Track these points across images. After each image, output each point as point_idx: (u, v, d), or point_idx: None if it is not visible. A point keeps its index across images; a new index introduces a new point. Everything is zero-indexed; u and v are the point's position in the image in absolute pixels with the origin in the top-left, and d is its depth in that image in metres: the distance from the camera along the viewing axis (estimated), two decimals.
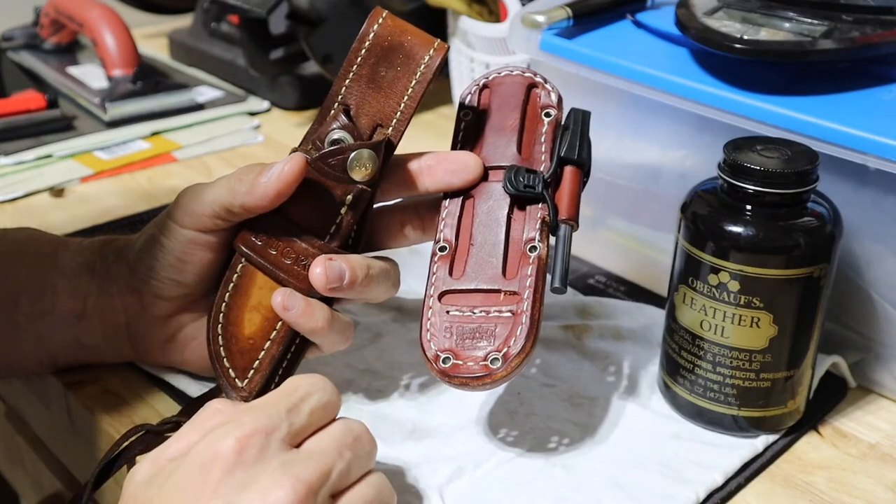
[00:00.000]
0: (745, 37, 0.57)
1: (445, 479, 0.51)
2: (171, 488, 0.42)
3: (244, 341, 0.52)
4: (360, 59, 0.52)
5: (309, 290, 0.51)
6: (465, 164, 0.53)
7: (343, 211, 0.51)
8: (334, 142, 0.51)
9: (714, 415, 0.54)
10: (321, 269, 0.50)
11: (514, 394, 0.58)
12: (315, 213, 0.51)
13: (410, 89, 0.52)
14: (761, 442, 0.54)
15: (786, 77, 0.59)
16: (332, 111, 0.52)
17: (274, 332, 0.51)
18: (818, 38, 0.57)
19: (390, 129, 0.52)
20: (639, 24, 0.68)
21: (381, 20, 0.52)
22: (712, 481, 0.51)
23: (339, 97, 0.52)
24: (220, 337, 0.52)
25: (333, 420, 0.46)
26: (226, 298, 0.52)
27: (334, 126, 0.51)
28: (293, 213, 0.51)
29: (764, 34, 0.58)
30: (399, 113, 0.52)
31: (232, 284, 0.52)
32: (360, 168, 0.50)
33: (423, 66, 0.52)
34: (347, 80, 0.52)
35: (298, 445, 0.44)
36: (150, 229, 0.54)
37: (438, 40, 0.52)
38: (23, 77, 1.05)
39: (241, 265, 0.52)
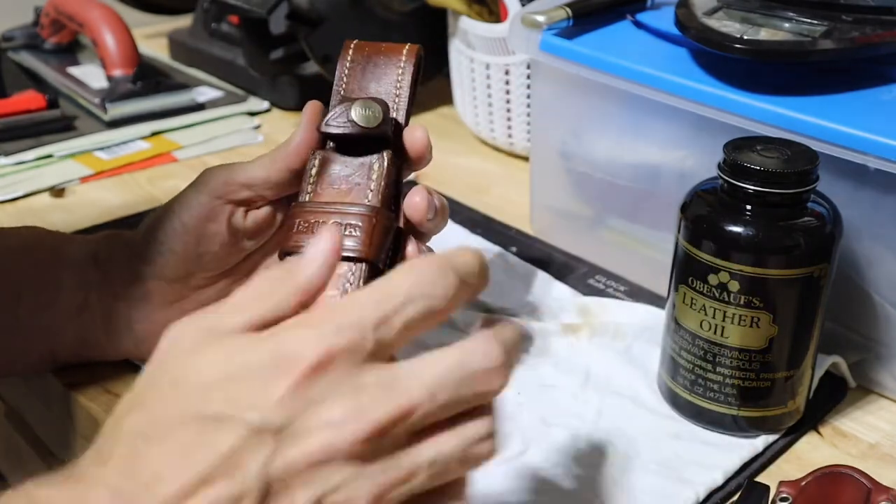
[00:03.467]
0: (745, 37, 0.57)
1: None
2: (222, 378, 0.35)
3: None
4: (346, 68, 0.54)
5: (368, 249, 0.47)
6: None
7: (374, 175, 0.50)
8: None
9: (714, 415, 0.54)
10: (420, 198, 0.50)
11: (514, 394, 0.58)
12: (342, 189, 0.50)
13: (399, 75, 0.54)
14: (761, 442, 0.54)
15: (785, 77, 0.59)
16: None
17: None
18: (818, 38, 0.57)
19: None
20: (639, 24, 0.68)
21: (354, 42, 0.55)
22: (712, 481, 0.51)
23: (339, 98, 0.54)
24: None
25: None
26: None
27: (340, 107, 0.51)
28: (324, 196, 0.50)
29: (764, 34, 0.58)
30: (397, 97, 0.53)
31: None
32: (368, 116, 0.50)
33: (403, 58, 0.54)
34: (342, 87, 0.54)
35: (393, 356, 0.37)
36: (164, 204, 0.55)
37: (409, 44, 0.55)
38: (23, 77, 1.05)
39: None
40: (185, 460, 0.34)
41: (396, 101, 0.53)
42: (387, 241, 0.48)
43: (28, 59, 1.07)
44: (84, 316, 0.56)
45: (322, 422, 0.35)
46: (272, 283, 0.38)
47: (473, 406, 0.37)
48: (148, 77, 0.97)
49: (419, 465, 0.36)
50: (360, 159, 0.50)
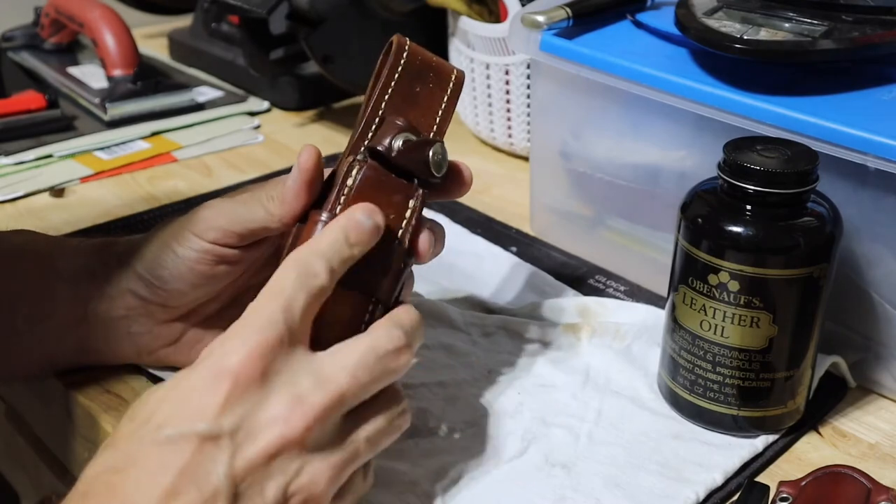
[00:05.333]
0: (745, 37, 0.57)
1: (445, 479, 0.51)
2: (167, 404, 0.41)
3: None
4: (397, 74, 0.52)
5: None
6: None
7: (408, 215, 0.49)
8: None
9: (714, 415, 0.54)
10: (424, 239, 0.49)
11: (514, 394, 0.58)
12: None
13: (444, 103, 0.52)
14: (761, 442, 0.54)
15: (785, 77, 0.59)
16: (385, 120, 0.50)
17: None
18: (818, 38, 0.57)
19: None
20: (639, 24, 0.68)
21: (409, 43, 0.52)
22: (712, 481, 0.51)
23: (380, 111, 0.51)
24: None
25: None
26: None
27: (395, 130, 0.49)
28: None
29: (764, 34, 0.58)
30: (436, 126, 0.52)
31: None
32: (441, 162, 0.50)
33: (451, 85, 0.52)
34: (387, 95, 0.51)
35: (316, 342, 0.43)
36: (162, 237, 0.53)
37: (457, 70, 0.54)
38: (23, 77, 1.06)
39: None
40: (152, 480, 0.38)
41: (434, 129, 0.52)
42: (398, 284, 0.49)
43: (28, 59, 1.07)
44: (82, 328, 0.55)
45: (269, 418, 0.40)
46: None
47: (386, 385, 0.44)
48: (148, 77, 0.97)
49: (360, 442, 0.43)
50: (396, 195, 0.49)
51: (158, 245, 0.53)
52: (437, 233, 0.51)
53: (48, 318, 0.55)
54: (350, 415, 0.43)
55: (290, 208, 0.50)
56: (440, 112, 0.52)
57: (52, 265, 0.56)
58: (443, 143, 0.50)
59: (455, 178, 0.53)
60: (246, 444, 0.40)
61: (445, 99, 0.52)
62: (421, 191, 0.49)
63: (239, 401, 0.40)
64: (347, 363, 0.43)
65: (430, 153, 0.49)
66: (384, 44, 0.53)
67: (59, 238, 0.60)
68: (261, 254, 0.54)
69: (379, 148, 0.49)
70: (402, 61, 0.51)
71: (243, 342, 0.41)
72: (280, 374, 0.41)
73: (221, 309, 0.56)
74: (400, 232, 0.49)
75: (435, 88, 0.52)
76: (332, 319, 0.46)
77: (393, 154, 0.49)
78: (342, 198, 0.48)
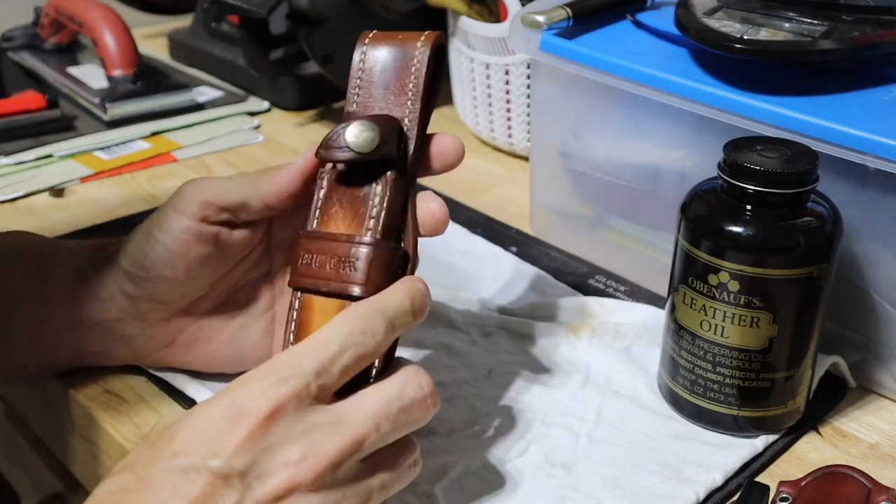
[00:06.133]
0: (745, 37, 0.57)
1: (445, 479, 0.51)
2: (185, 433, 0.41)
3: None
4: (359, 70, 0.52)
5: (366, 287, 0.47)
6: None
7: (375, 201, 0.49)
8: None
9: (714, 415, 0.54)
10: (437, 206, 0.49)
11: (514, 394, 0.58)
12: (347, 215, 0.49)
13: (412, 77, 0.51)
14: (761, 442, 0.54)
15: (785, 77, 0.59)
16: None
17: None
18: (818, 38, 0.57)
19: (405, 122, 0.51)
20: (639, 24, 0.68)
21: (371, 35, 0.52)
22: (712, 481, 0.51)
23: (350, 110, 0.51)
24: None
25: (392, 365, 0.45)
26: (290, 339, 0.48)
27: (339, 127, 0.49)
28: (330, 224, 0.49)
29: (764, 34, 0.58)
30: (408, 111, 0.51)
31: (294, 323, 0.48)
32: (368, 140, 0.47)
33: (416, 61, 0.51)
34: (355, 93, 0.51)
35: (341, 393, 0.43)
36: (143, 226, 0.53)
37: (427, 32, 0.52)
38: (23, 77, 1.05)
39: (297, 300, 0.48)
40: None
41: (409, 107, 0.51)
42: (388, 275, 0.48)
43: (28, 59, 1.07)
44: (78, 331, 0.55)
45: (282, 462, 0.41)
46: None
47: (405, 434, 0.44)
48: (148, 77, 0.97)
49: (371, 489, 0.43)
50: (364, 188, 0.49)
51: (140, 235, 0.53)
52: (433, 207, 0.50)
53: (44, 321, 0.55)
54: (366, 459, 0.43)
55: (278, 189, 0.50)
56: (412, 84, 0.51)
57: (48, 270, 0.55)
58: (367, 119, 0.48)
59: (434, 152, 0.51)
60: (257, 486, 0.40)
61: (414, 70, 0.51)
62: (387, 179, 0.49)
63: (254, 444, 0.40)
64: (370, 410, 0.42)
65: (346, 135, 0.48)
66: None
67: (55, 240, 0.60)
68: (249, 246, 0.54)
69: (321, 151, 0.48)
70: (364, 51, 0.51)
71: (267, 391, 0.41)
72: (300, 423, 0.41)
73: (214, 309, 0.56)
74: (371, 222, 0.48)
75: (402, 63, 0.51)
76: (319, 326, 0.45)
77: (317, 153, 0.48)
78: (316, 212, 0.49)
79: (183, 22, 1.21)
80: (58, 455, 0.68)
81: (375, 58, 0.51)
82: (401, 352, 0.62)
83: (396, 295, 0.45)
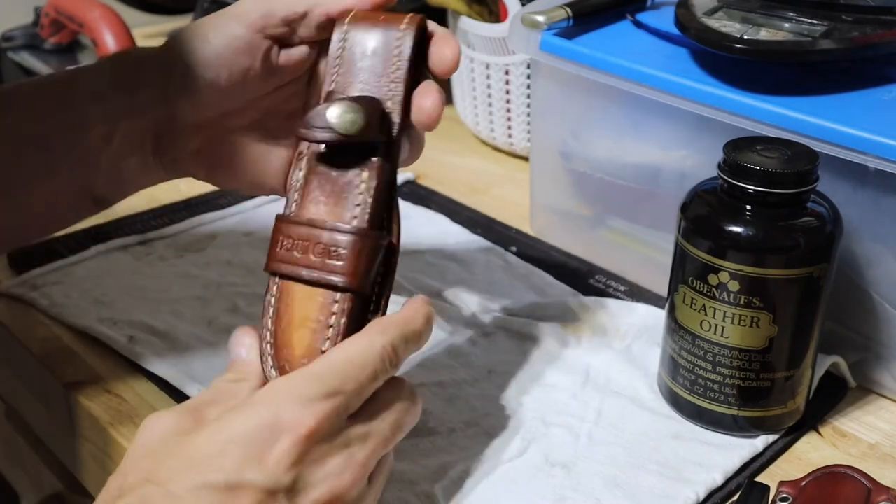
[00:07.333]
0: (745, 37, 0.57)
1: (445, 479, 0.51)
2: (220, 444, 0.41)
3: (297, 362, 0.46)
4: (338, 50, 0.50)
5: (350, 277, 0.46)
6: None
7: (362, 187, 0.47)
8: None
9: (714, 415, 0.54)
10: (431, 102, 0.49)
11: (514, 394, 0.58)
12: (329, 200, 0.48)
13: (396, 59, 0.49)
14: (761, 442, 0.54)
15: (785, 77, 0.59)
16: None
17: (327, 342, 0.46)
18: (818, 38, 0.57)
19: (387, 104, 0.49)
20: (639, 24, 0.68)
21: (351, 13, 0.51)
22: (712, 481, 0.51)
23: (328, 93, 0.50)
24: (273, 369, 0.46)
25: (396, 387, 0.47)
26: (269, 326, 0.47)
27: (320, 106, 0.47)
28: (311, 210, 0.48)
29: (764, 34, 0.58)
30: (392, 94, 0.49)
31: (272, 309, 0.47)
32: (352, 120, 0.46)
33: (399, 42, 0.50)
34: (334, 69, 0.50)
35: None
36: (200, 27, 0.52)
37: (410, 14, 0.51)
38: (23, 77, 1.05)
39: (275, 286, 0.47)
40: None
41: (392, 88, 0.49)
42: (374, 265, 0.47)
43: (28, 59, 1.07)
44: (113, 146, 0.53)
45: (325, 475, 0.43)
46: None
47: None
48: None
49: (385, 475, 0.48)
50: (347, 172, 0.47)
51: (195, 35, 0.52)
52: (440, 94, 0.50)
53: (79, 142, 0.52)
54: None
55: (343, 5, 0.50)
56: (393, 70, 0.49)
57: (76, 90, 0.54)
58: (350, 100, 0.47)
59: (417, 115, 0.50)
60: (301, 498, 0.42)
61: (397, 53, 0.49)
62: (372, 163, 0.47)
63: (300, 458, 0.41)
64: (390, 423, 0.46)
65: (327, 115, 0.46)
66: None
67: (76, 68, 0.57)
68: (293, 73, 0.53)
69: (301, 130, 0.47)
70: (345, 30, 0.50)
71: (313, 406, 0.42)
72: (339, 437, 0.43)
73: (244, 127, 0.55)
74: (357, 210, 0.47)
75: (385, 45, 0.50)
76: (300, 316, 0.46)
77: (297, 132, 0.47)
78: (295, 195, 0.48)
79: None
80: (58, 455, 0.68)
81: (356, 38, 0.50)
82: None
83: (418, 322, 0.47)
